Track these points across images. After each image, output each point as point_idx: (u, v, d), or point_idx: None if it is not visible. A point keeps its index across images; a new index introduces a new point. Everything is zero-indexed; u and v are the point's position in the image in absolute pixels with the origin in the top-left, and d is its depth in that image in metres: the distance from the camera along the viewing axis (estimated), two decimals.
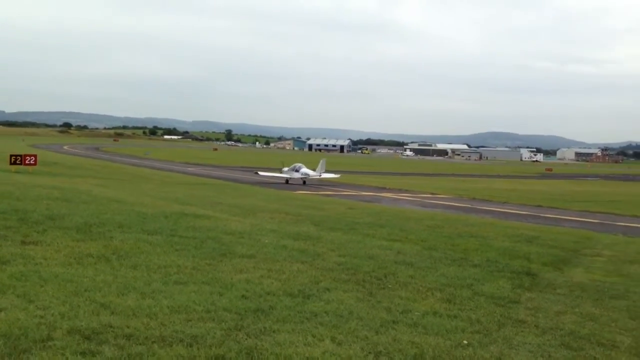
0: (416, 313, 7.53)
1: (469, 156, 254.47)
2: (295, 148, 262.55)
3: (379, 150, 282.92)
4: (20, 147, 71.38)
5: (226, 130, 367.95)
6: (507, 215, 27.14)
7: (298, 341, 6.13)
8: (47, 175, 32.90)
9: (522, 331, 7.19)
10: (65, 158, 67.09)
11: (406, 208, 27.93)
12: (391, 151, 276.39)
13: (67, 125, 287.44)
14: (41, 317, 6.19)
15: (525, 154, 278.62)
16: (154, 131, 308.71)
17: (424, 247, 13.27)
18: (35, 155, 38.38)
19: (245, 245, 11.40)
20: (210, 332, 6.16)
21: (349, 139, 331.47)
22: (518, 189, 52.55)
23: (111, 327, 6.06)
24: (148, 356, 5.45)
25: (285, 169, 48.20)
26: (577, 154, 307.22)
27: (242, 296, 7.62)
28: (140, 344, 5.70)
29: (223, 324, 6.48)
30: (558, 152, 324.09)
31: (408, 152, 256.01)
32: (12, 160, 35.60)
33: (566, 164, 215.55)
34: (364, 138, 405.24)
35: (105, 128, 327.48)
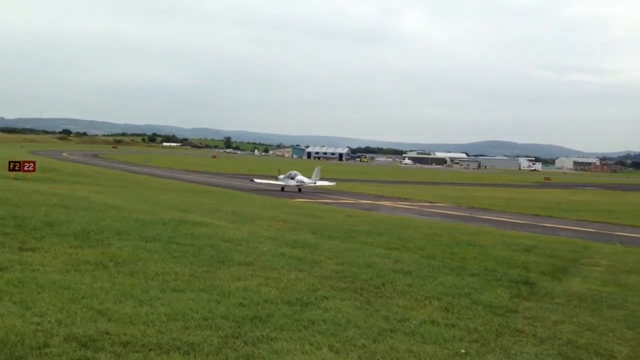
0: (414, 322, 7.53)
1: (468, 165, 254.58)
2: (294, 156, 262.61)
3: (377, 159, 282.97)
4: (19, 154, 71.44)
5: (225, 138, 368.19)
6: (505, 224, 27.16)
7: (295, 349, 6.12)
8: (46, 182, 32.90)
9: (520, 340, 7.19)
10: (64, 165, 67.10)
11: (404, 216, 27.93)
12: (390, 159, 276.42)
13: (66, 132, 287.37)
14: (38, 324, 6.18)
15: (524, 163, 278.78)
16: (153, 138, 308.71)
17: (422, 255, 13.26)
18: (34, 162, 38.40)
19: (243, 252, 11.38)
20: (207, 340, 6.14)
21: (348, 147, 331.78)
22: (516, 197, 52.59)
23: (108, 334, 6.05)
24: None
25: (281, 176, 48.46)
26: (575, 163, 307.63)
27: (240, 304, 7.61)
28: (137, 352, 5.69)
29: (220, 331, 6.47)
30: (557, 162, 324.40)
31: (407, 161, 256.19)
32: (11, 166, 35.61)
33: (565, 173, 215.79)
34: (363, 146, 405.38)
35: (104, 135, 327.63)
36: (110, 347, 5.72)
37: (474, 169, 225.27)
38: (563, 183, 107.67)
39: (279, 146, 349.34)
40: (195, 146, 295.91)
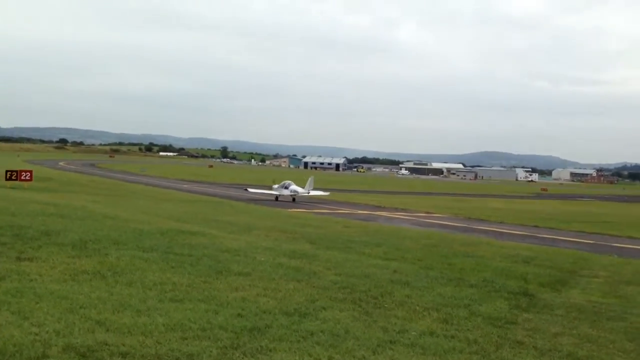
0: (413, 333, 7.49)
1: (465, 175, 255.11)
2: (291, 166, 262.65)
3: (374, 169, 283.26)
4: (16, 163, 71.26)
5: (222, 147, 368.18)
6: (503, 235, 27.17)
7: None
8: (43, 191, 32.83)
9: (520, 352, 7.15)
10: (61, 174, 67.02)
11: (402, 227, 27.93)
12: (387, 170, 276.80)
13: (63, 141, 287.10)
14: (36, 334, 6.13)
15: (521, 173, 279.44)
16: (149, 147, 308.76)
17: (420, 266, 13.25)
18: (30, 171, 38.41)
19: (241, 263, 11.34)
20: (206, 351, 6.10)
21: (345, 157, 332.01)
22: (514, 208, 52.66)
23: (106, 344, 6.01)
24: None
25: (275, 186, 48.89)
26: (572, 174, 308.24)
27: (238, 314, 7.57)
28: None
29: (219, 342, 6.42)
30: (553, 172, 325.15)
31: (403, 171, 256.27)
32: (8, 176, 35.58)
33: (561, 184, 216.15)
34: (360, 156, 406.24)
35: (101, 144, 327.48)
36: (108, 358, 5.68)
37: (470, 179, 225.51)
38: (560, 194, 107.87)
39: (275, 156, 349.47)
40: (192, 156, 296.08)
